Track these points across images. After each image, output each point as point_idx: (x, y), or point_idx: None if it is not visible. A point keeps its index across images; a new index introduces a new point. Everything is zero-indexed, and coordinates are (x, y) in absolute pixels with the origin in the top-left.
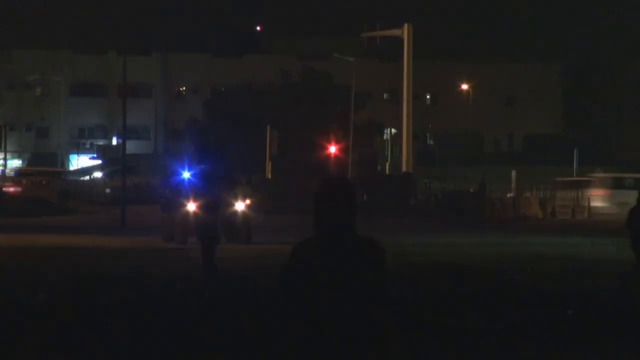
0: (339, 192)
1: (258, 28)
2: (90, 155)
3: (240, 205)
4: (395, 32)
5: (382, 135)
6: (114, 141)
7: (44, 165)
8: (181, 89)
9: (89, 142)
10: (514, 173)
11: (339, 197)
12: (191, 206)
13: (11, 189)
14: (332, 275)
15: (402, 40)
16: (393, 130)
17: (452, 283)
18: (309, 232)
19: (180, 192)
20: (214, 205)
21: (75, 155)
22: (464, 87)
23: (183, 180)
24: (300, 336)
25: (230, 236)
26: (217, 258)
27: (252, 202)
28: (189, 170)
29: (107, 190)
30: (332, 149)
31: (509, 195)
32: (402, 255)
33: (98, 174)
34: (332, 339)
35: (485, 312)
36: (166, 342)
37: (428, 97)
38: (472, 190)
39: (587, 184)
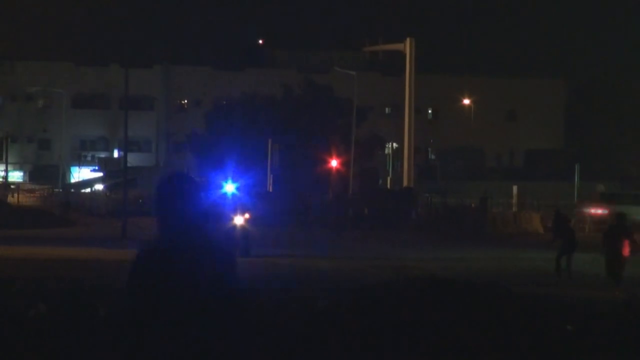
0: (183, 190)
1: (260, 41)
2: (92, 168)
3: (239, 219)
4: (397, 46)
5: (384, 150)
6: (115, 153)
7: (45, 177)
8: (183, 101)
9: (90, 154)
10: (515, 188)
11: (183, 195)
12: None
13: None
14: (176, 278)
15: (404, 55)
16: (394, 145)
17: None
18: (304, 243)
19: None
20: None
21: (77, 168)
22: (466, 101)
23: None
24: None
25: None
26: None
27: (250, 216)
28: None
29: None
30: (334, 163)
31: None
32: (400, 269)
33: (99, 187)
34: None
35: (479, 328)
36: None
37: (430, 111)
38: (473, 205)
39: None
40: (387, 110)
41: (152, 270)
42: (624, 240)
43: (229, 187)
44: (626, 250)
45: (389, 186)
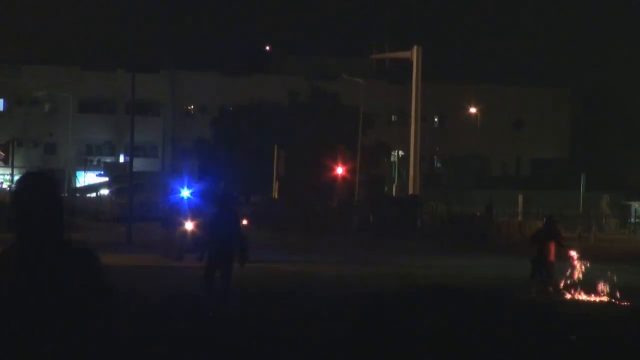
0: (42, 190)
1: (267, 48)
2: (98, 173)
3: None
4: (404, 54)
5: (390, 157)
6: (122, 159)
7: None
8: (189, 107)
9: (96, 159)
10: (521, 197)
11: (41, 195)
12: (189, 225)
13: None
14: (33, 286)
15: (411, 63)
16: (401, 153)
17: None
18: (309, 250)
19: (179, 210)
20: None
21: (83, 172)
22: (473, 110)
23: (182, 198)
24: None
25: None
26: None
27: (248, 222)
28: (188, 189)
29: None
30: (340, 170)
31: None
32: (405, 277)
33: (105, 192)
34: None
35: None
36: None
37: (436, 119)
38: (479, 213)
39: None
40: (393, 118)
41: (9, 277)
42: (552, 245)
43: (185, 192)
44: (552, 256)
45: (394, 194)
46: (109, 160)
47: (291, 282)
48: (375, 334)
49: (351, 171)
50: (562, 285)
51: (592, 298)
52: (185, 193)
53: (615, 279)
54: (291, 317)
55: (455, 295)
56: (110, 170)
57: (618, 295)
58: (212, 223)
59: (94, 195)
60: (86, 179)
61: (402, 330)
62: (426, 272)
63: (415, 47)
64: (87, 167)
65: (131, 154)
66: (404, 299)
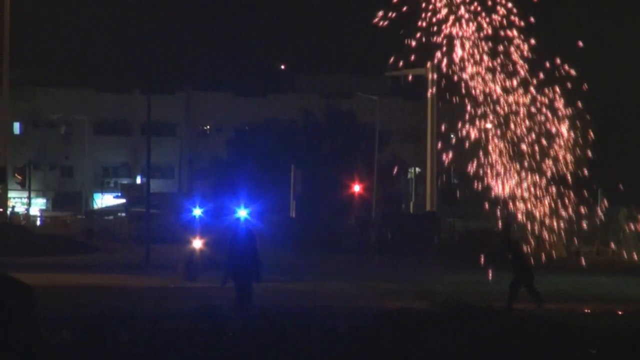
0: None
1: (282, 66)
2: (115, 194)
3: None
4: (419, 71)
5: (406, 174)
6: (138, 180)
7: (69, 204)
8: (205, 127)
9: (113, 180)
10: (537, 212)
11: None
12: (197, 243)
13: None
14: None
15: (426, 79)
16: (417, 169)
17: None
18: (327, 268)
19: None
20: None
21: (100, 194)
22: (488, 125)
23: (194, 217)
24: None
25: None
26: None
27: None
28: (200, 207)
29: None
30: (356, 188)
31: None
32: (424, 294)
33: (122, 214)
34: None
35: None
36: None
37: (452, 136)
38: (495, 229)
39: None
40: (409, 135)
41: None
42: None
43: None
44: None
45: (411, 210)
46: (125, 181)
47: (308, 300)
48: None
49: (367, 188)
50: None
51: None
52: (197, 212)
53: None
54: (310, 336)
55: (476, 313)
56: (127, 191)
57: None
58: (230, 243)
59: (111, 217)
60: (103, 200)
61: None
62: (444, 289)
63: (429, 64)
64: (104, 188)
65: (148, 175)
66: (424, 317)
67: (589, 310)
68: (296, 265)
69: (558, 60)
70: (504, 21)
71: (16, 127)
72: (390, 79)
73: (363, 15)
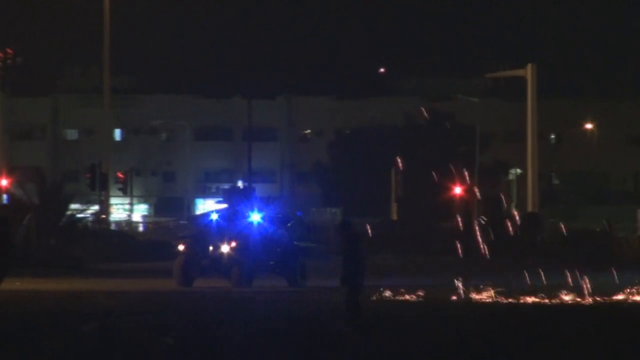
0: None
1: (381, 70)
2: (217, 199)
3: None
4: (518, 72)
5: (507, 176)
6: (240, 184)
7: (171, 209)
8: (306, 132)
9: (214, 185)
10: (639, 212)
11: None
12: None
13: None
14: None
15: (525, 80)
16: (518, 171)
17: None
18: (431, 271)
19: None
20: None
21: (201, 199)
22: (589, 126)
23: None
24: None
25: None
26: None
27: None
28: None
29: None
30: (457, 190)
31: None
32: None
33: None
34: None
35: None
36: None
37: (553, 136)
38: (598, 229)
39: None
40: (510, 136)
41: None
42: None
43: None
44: None
45: (513, 212)
46: (227, 186)
47: (418, 307)
48: None
49: (469, 190)
50: None
51: None
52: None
53: None
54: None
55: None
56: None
57: None
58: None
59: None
60: (205, 205)
61: None
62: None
63: (529, 65)
64: (206, 194)
65: (249, 179)
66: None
67: None
68: (398, 269)
69: None
70: None
71: (117, 134)
72: (490, 80)
73: (460, 17)
